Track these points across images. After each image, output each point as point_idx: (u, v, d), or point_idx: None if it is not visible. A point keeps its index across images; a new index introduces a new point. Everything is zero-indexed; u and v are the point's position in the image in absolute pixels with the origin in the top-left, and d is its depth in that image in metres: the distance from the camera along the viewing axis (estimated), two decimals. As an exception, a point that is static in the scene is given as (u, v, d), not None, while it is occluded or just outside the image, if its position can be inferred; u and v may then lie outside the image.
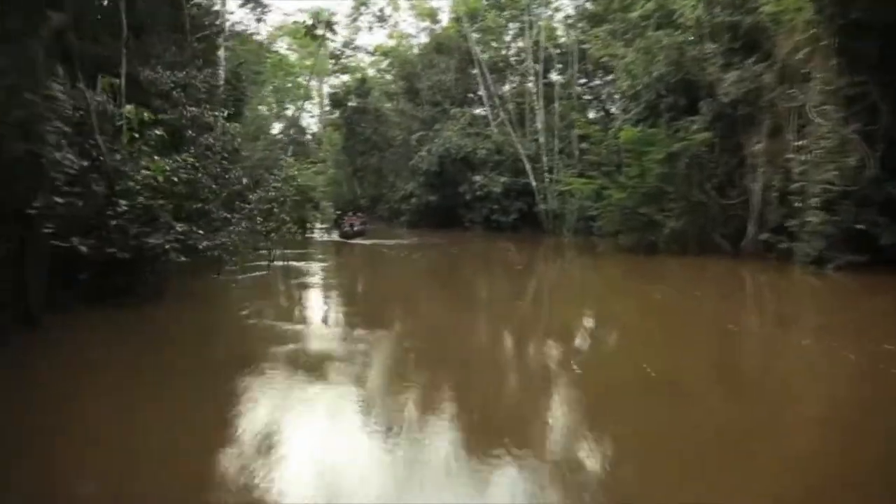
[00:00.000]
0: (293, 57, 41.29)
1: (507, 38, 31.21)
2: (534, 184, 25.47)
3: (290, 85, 38.79)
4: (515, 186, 26.23)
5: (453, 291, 12.67)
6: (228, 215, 12.17)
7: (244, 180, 13.93)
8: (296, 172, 23.45)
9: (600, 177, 18.28)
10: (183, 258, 9.34)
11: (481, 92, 29.02)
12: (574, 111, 22.87)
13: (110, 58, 12.52)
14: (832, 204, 12.25)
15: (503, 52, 30.80)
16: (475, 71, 29.35)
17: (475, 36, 29.01)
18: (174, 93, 12.33)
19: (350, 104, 34.73)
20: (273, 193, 14.63)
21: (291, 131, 33.20)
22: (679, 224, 15.62)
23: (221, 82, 21.59)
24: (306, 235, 23.26)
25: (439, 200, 29.49)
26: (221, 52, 21.66)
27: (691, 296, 11.37)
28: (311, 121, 53.52)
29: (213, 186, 11.85)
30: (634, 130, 16.11)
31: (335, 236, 24.03)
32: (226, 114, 16.83)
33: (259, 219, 13.76)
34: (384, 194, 35.98)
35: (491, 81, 28.55)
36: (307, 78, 34.64)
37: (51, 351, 6.46)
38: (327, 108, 43.72)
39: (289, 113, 45.79)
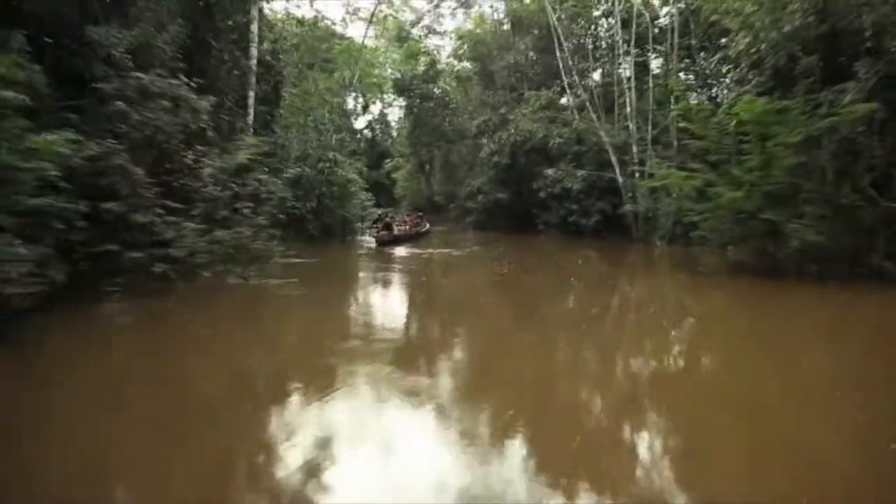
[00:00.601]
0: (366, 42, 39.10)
1: (596, 13, 26.77)
2: (620, 180, 21.07)
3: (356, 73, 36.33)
4: (599, 183, 21.93)
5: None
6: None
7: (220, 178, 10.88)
8: (330, 165, 20.76)
9: (706, 170, 13.82)
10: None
11: (562, 73, 24.78)
12: (673, 91, 18.20)
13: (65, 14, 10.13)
14: None
15: (590, 27, 26.38)
16: (559, 53, 25.29)
17: (557, 8, 24.88)
18: (114, 53, 9.50)
19: (416, 90, 31.64)
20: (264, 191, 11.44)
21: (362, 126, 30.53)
22: (819, 236, 10.92)
23: (253, 61, 19.18)
24: (347, 238, 20.51)
25: (510, 198, 25.73)
26: (254, 28, 19.12)
27: (865, 361, 6.75)
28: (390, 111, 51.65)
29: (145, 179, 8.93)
30: (758, 102, 11.51)
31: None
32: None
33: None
34: (455, 191, 32.70)
35: (573, 60, 24.29)
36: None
37: None
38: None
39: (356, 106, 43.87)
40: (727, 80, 18.65)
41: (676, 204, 16.65)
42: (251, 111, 19.06)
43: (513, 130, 24.29)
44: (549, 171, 22.55)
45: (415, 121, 33.18)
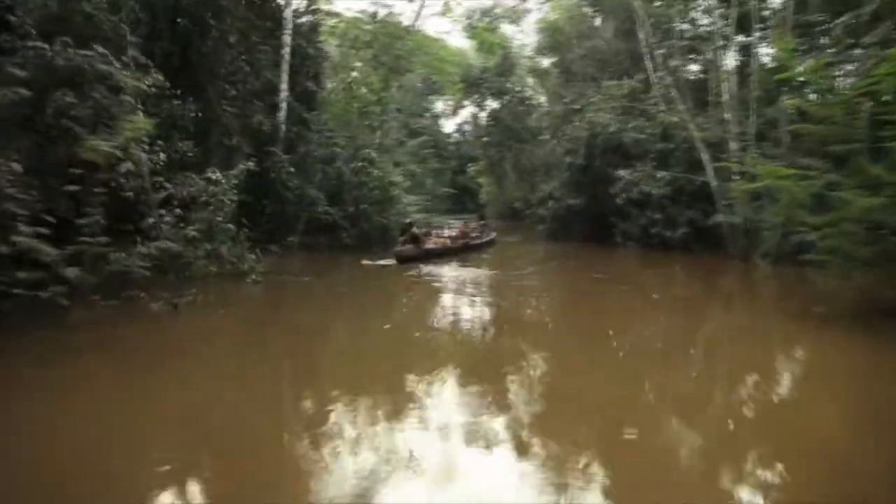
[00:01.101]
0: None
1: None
2: (714, 183, 17.25)
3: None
4: (687, 187, 18.19)
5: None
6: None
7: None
8: (364, 164, 18.54)
9: (827, 168, 10.16)
10: None
11: (647, 60, 21.07)
12: (785, 60, 14.14)
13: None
14: None
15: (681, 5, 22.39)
16: (643, 37, 21.62)
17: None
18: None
19: (485, 85, 28.91)
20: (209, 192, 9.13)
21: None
22: None
23: (286, 49, 17.39)
24: (388, 248, 18.19)
25: (585, 204, 22.35)
26: (288, 14, 17.34)
27: None
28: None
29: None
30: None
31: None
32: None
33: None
34: (530, 197, 29.67)
35: (660, 45, 20.53)
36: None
37: None
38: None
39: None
40: (858, 51, 14.36)
41: (784, 213, 12.81)
42: (283, 107, 17.30)
43: (587, 126, 20.95)
44: (623, 173, 19.06)
45: (486, 119, 30.54)
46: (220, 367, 6.53)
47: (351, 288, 12.42)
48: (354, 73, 24.18)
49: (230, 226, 9.17)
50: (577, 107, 23.06)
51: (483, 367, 6.88)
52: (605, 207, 21.18)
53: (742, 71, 18.22)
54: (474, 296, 11.78)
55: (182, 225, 8.30)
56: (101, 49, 8.18)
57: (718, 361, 7.73)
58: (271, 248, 16.04)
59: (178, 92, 12.20)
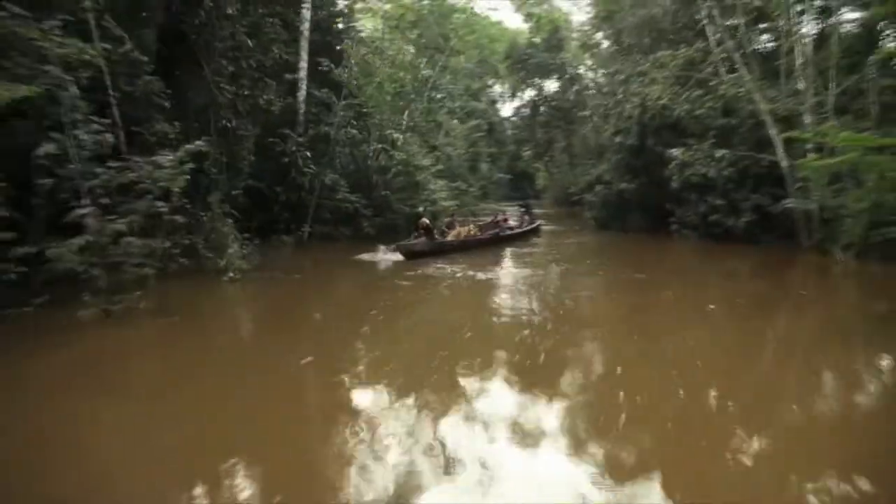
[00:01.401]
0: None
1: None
2: (784, 163, 14.83)
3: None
4: (753, 168, 15.79)
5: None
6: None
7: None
8: (383, 148, 17.18)
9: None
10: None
11: (706, 26, 18.53)
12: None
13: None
14: None
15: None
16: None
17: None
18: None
19: (531, 61, 26.88)
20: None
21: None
22: None
23: (306, 24, 16.25)
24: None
25: (637, 189, 20.22)
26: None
27: None
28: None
29: None
30: None
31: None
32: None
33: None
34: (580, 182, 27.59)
35: (721, 8, 17.97)
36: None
37: None
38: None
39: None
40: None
41: (870, 198, 10.53)
42: (302, 87, 16.17)
43: (639, 101, 18.77)
44: (676, 152, 16.82)
45: (532, 100, 28.53)
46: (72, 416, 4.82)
47: (329, 292, 10.84)
48: (391, 52, 22.82)
49: (178, 217, 7.98)
50: (629, 81, 20.81)
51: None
52: (660, 193, 18.99)
53: (819, 35, 15.59)
54: (468, 310, 9.25)
55: (114, 216, 7.16)
56: (17, 9, 7.14)
57: (807, 390, 5.81)
58: (283, 239, 15.06)
59: (164, 68, 11.26)
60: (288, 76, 15.91)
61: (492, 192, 63.40)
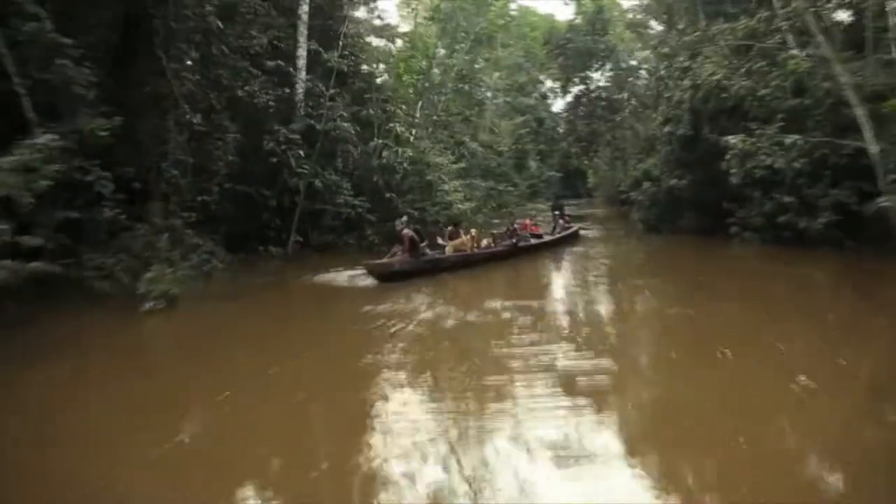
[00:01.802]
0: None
1: None
2: (874, 149, 11.83)
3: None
4: (833, 159, 12.86)
5: None
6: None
7: None
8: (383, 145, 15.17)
9: None
10: None
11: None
12: None
13: None
14: None
15: None
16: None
17: None
18: None
19: (570, 45, 24.26)
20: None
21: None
22: None
23: (304, 8, 14.49)
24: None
25: (691, 186, 17.45)
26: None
27: None
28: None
29: None
30: None
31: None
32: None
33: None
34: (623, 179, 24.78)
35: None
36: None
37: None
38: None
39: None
40: None
41: None
42: (300, 78, 14.42)
43: (691, 83, 16.05)
44: (734, 140, 14.01)
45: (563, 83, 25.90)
46: None
47: (251, 337, 7.62)
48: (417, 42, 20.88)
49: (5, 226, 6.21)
50: (681, 60, 18.02)
51: None
52: (717, 190, 16.20)
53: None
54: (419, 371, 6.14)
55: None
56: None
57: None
58: (271, 251, 13.33)
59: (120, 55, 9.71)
60: (281, 65, 14.12)
61: (542, 191, 60.85)
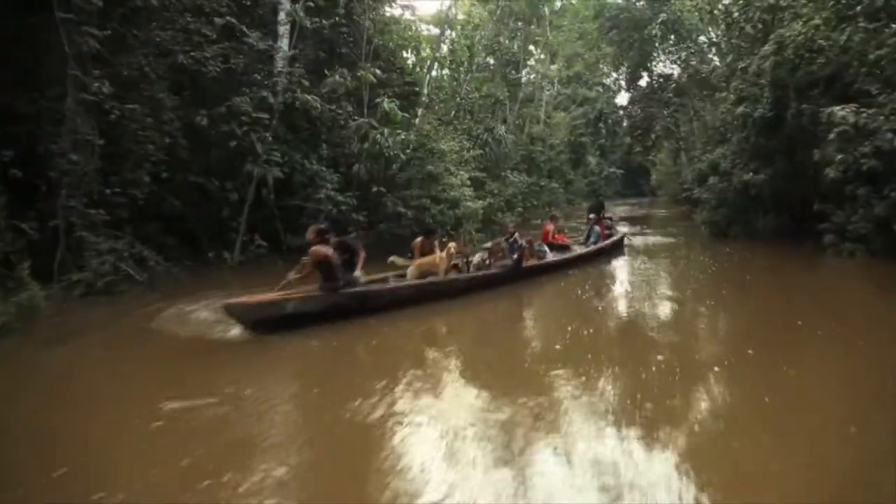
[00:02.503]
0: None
1: None
2: None
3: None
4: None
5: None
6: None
7: None
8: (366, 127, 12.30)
9: None
10: None
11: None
12: None
13: None
14: None
15: None
16: None
17: None
18: None
19: (624, 16, 20.62)
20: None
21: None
22: None
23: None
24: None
25: (770, 180, 13.83)
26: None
27: None
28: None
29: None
30: None
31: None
32: None
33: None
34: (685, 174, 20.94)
35: None
36: None
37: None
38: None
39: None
40: None
41: None
42: (281, 45, 11.90)
43: (772, 49, 12.44)
44: (841, 112, 10.27)
45: (627, 73, 22.29)
46: None
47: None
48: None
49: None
50: (760, 25, 14.31)
51: None
52: (806, 186, 12.56)
53: None
54: None
55: None
56: None
57: None
58: (225, 257, 10.85)
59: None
60: (233, 23, 11.44)
61: (601, 189, 56.61)
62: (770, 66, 12.54)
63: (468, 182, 13.17)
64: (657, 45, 21.52)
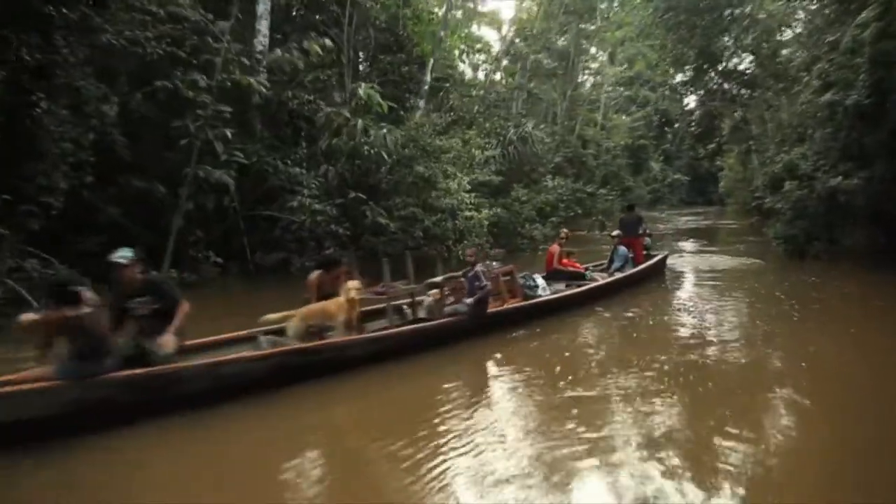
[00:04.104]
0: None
1: None
2: None
3: None
4: None
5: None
6: None
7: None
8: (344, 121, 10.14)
9: None
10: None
11: None
12: None
13: None
14: None
15: None
16: None
17: None
18: None
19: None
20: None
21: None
22: None
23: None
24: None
25: (865, 185, 10.88)
26: None
27: None
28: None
29: None
30: None
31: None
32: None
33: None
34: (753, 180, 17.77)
35: None
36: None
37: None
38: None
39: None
40: None
41: None
42: (259, 29, 10.14)
43: (872, 14, 9.58)
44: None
45: (691, 67, 19.28)
46: None
47: None
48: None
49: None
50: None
51: None
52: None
53: None
54: None
55: None
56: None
57: None
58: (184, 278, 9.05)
59: None
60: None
61: (665, 196, 52.69)
62: (871, 36, 9.65)
63: (467, 187, 10.69)
64: (725, 28, 18.50)
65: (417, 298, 6.65)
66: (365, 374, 5.20)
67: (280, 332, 5.40)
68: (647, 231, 11.33)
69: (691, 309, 8.09)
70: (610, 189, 29.92)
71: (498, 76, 23.90)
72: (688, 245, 17.59)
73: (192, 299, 5.06)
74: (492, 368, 5.78)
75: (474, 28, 24.17)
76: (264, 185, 10.17)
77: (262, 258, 9.99)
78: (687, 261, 13.55)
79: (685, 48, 21.41)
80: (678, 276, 11.29)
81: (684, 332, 6.88)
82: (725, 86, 21.03)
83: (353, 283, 5.59)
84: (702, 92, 24.91)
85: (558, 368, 5.49)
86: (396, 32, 13.05)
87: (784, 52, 18.67)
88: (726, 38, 19.15)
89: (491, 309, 6.57)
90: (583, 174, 25.61)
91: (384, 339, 5.64)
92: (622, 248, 9.88)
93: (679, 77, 32.24)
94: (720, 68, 21.33)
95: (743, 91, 20.11)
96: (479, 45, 22.29)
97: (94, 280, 4.32)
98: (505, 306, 7.00)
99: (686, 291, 9.73)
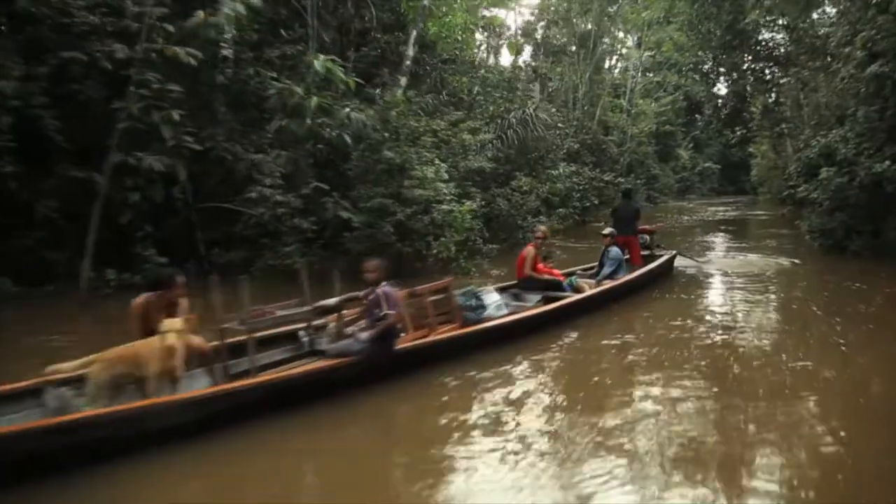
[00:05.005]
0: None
1: None
2: None
3: None
4: None
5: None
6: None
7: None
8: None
9: None
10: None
11: None
12: None
13: None
14: None
15: None
16: None
17: None
18: None
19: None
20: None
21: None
22: None
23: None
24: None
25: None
26: None
27: None
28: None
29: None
30: None
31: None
32: None
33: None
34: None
35: None
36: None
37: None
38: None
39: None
40: None
41: None
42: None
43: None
44: None
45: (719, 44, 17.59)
46: None
47: None
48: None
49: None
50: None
51: None
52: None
53: None
54: None
55: None
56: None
57: None
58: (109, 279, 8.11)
59: None
60: None
61: (695, 185, 50.53)
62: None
63: (445, 176, 9.31)
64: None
65: (315, 323, 5.10)
66: (166, 457, 3.41)
67: (82, 381, 3.75)
68: (649, 227, 9.81)
69: (696, 336, 6.17)
70: (635, 178, 28.34)
71: (512, 58, 22.59)
72: (711, 239, 16.09)
73: (112, 307, 3.91)
74: (375, 448, 3.82)
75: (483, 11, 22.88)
76: (223, 174, 9.12)
77: (220, 256, 8.95)
78: (713, 259, 12.08)
79: (712, 25, 19.82)
80: (688, 282, 9.36)
81: (680, 384, 4.70)
82: (755, 66, 19.31)
83: (173, 322, 3.97)
84: (734, 74, 23.06)
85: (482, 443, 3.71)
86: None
87: (822, 29, 16.93)
88: (756, 13, 17.44)
89: (404, 344, 4.85)
90: (603, 162, 24.08)
91: (211, 400, 3.79)
92: (614, 249, 8.01)
93: (709, 63, 30.24)
94: (750, 44, 19.61)
95: (776, 70, 18.36)
96: (483, 24, 20.85)
97: None
98: (431, 337, 5.19)
99: (693, 307, 7.72)
